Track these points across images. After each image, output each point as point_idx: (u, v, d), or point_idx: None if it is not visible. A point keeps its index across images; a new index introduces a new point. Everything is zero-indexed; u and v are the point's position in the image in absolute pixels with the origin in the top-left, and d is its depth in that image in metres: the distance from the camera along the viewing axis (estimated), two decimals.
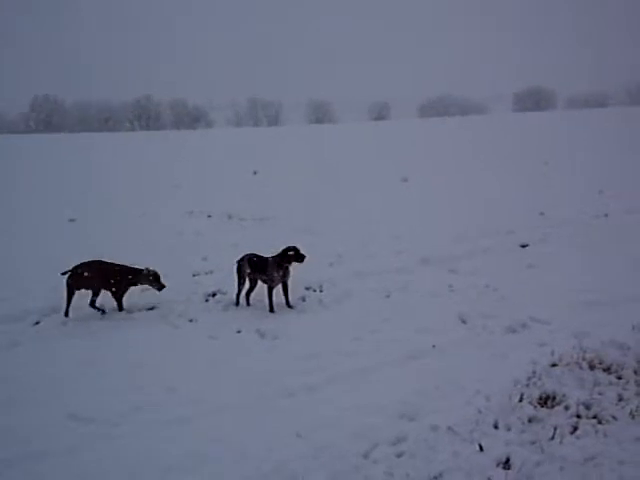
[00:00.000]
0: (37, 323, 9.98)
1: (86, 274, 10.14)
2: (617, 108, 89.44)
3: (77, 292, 10.19)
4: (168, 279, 11.55)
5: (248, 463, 5.76)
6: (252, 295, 10.79)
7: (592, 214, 17.61)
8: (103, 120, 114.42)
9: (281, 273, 10.34)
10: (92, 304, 10.26)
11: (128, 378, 7.85)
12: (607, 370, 7.08)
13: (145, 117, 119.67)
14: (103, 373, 8.06)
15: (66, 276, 10.10)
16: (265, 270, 10.39)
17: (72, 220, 18.86)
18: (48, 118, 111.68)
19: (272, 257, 10.46)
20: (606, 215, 17.53)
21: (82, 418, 6.80)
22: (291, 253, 10.35)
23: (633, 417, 6.02)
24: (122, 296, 10.41)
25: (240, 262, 10.65)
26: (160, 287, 10.54)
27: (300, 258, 10.40)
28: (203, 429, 6.50)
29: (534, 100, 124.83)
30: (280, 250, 10.44)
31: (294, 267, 10.46)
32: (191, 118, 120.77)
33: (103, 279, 10.26)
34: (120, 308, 10.35)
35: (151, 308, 10.57)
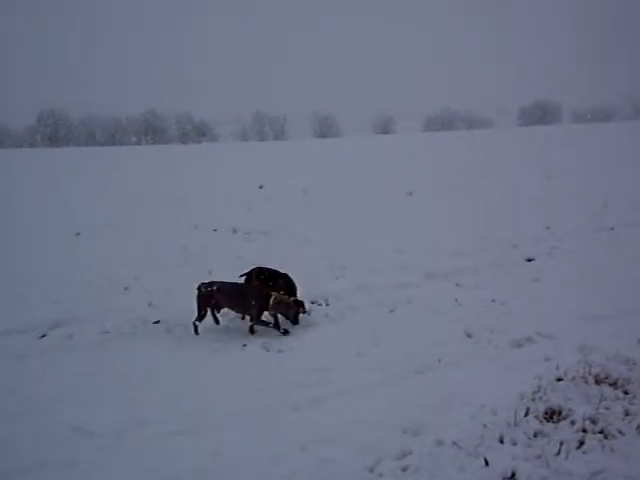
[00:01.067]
0: (43, 336, 9.98)
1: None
2: (622, 123, 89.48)
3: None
4: (174, 294, 11.60)
5: (252, 477, 5.75)
6: None
7: (597, 227, 17.58)
8: (109, 134, 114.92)
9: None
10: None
11: (132, 391, 7.86)
12: (613, 385, 7.05)
13: (151, 131, 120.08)
14: (107, 386, 8.08)
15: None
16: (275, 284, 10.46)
17: (78, 234, 18.89)
18: (54, 132, 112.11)
19: (282, 273, 10.50)
20: (612, 229, 17.50)
21: (84, 431, 6.82)
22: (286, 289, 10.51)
23: None
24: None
25: (248, 276, 10.67)
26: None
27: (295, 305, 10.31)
28: (207, 442, 6.50)
29: (539, 114, 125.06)
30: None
31: (299, 280, 10.47)
32: (197, 132, 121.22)
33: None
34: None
35: (156, 322, 10.56)
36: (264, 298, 9.85)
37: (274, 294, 9.91)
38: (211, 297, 10.03)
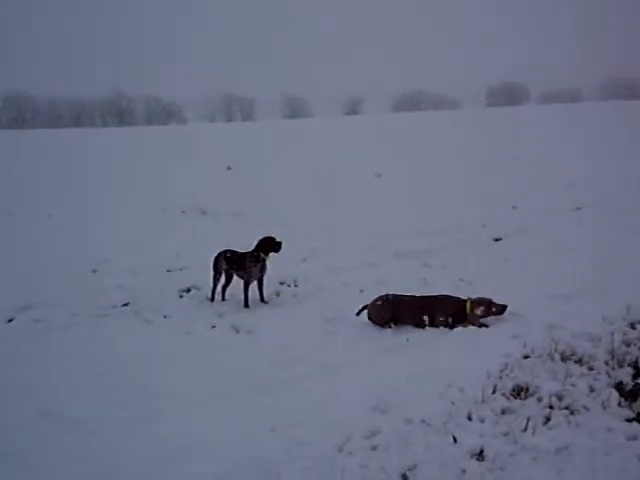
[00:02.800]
0: (10, 320, 9.86)
1: None
2: (589, 103, 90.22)
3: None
4: (142, 275, 11.55)
5: (222, 459, 5.74)
6: (227, 290, 10.78)
7: (565, 207, 17.75)
8: (75, 117, 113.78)
9: (259, 266, 10.34)
10: None
11: (101, 375, 7.78)
12: (579, 361, 7.13)
13: (117, 113, 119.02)
14: (76, 370, 7.99)
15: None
16: (243, 265, 10.38)
17: (49, 216, 18.74)
18: (19, 115, 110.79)
19: (250, 252, 10.45)
20: (579, 208, 17.68)
21: (53, 416, 6.74)
22: (268, 243, 10.37)
23: (604, 407, 6.07)
24: None
25: (217, 257, 10.63)
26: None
27: (277, 246, 10.41)
28: (177, 426, 6.46)
29: (507, 95, 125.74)
30: (256, 243, 10.45)
31: (268, 261, 10.46)
32: (164, 114, 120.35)
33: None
34: None
35: (125, 304, 10.50)
36: None
37: None
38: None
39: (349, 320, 9.38)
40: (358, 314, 9.37)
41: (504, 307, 9.15)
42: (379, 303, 9.26)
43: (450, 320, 9.05)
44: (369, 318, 9.30)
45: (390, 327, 9.08)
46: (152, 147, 46.89)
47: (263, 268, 10.42)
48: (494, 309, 9.12)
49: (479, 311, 9.05)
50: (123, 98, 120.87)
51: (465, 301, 9.15)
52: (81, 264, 12.86)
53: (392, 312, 9.15)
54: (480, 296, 9.27)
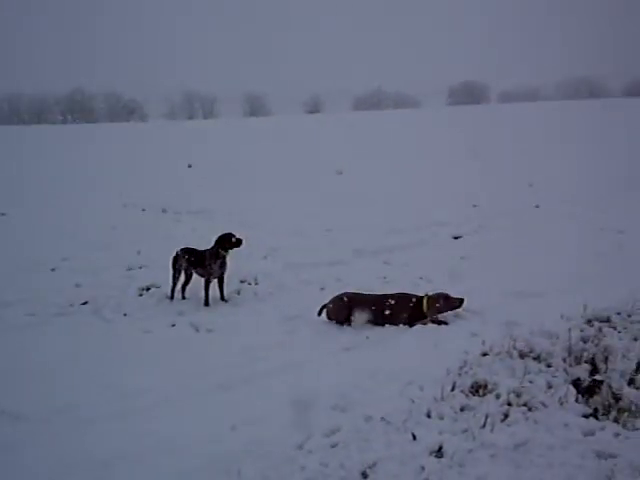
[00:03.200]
0: None
1: None
2: (546, 102, 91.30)
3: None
4: (101, 273, 11.44)
5: (183, 458, 5.72)
6: (187, 289, 10.73)
7: (523, 206, 17.92)
8: (34, 114, 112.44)
9: (219, 263, 10.30)
10: None
11: (61, 374, 7.70)
12: (537, 359, 7.20)
13: (78, 110, 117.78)
14: (34, 369, 7.90)
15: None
16: (203, 263, 10.34)
17: (3, 214, 18.49)
18: None
19: (209, 249, 10.41)
20: (537, 206, 17.86)
21: (11, 415, 6.66)
22: (227, 239, 10.34)
23: (562, 404, 6.14)
24: None
25: (175, 255, 10.58)
26: None
27: (238, 243, 10.38)
28: (138, 425, 6.41)
29: (468, 94, 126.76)
30: (215, 239, 10.41)
31: (229, 259, 10.44)
32: (125, 111, 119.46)
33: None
34: None
35: (84, 303, 10.40)
36: None
37: None
38: None
39: (310, 318, 9.39)
40: (319, 314, 9.40)
41: (461, 300, 9.26)
42: (337, 302, 9.31)
43: (407, 317, 9.10)
44: (328, 317, 9.34)
45: (349, 324, 9.11)
46: (113, 144, 46.50)
47: (223, 265, 10.37)
48: (451, 303, 9.22)
49: (437, 306, 9.12)
50: (84, 95, 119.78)
51: (422, 297, 9.22)
52: (39, 263, 12.71)
53: (349, 310, 9.18)
54: (437, 292, 9.35)
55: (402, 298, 9.27)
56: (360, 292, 9.50)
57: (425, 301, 9.16)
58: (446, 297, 9.24)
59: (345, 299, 9.30)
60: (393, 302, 9.18)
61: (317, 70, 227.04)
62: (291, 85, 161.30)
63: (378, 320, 9.11)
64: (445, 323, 9.05)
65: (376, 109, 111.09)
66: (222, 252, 10.31)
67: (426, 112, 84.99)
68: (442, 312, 9.18)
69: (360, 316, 9.10)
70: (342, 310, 9.22)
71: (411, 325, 9.02)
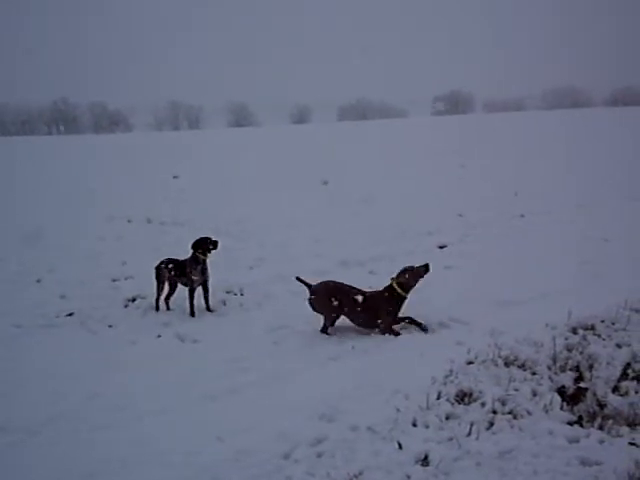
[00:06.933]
0: None
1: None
2: (531, 112, 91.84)
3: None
4: (87, 284, 11.41)
5: (169, 468, 5.72)
6: (172, 299, 10.71)
7: (508, 215, 17.99)
8: (20, 124, 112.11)
9: (199, 269, 10.29)
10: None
11: (48, 386, 7.69)
12: (522, 366, 7.24)
13: (63, 120, 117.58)
14: (21, 381, 7.90)
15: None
16: (185, 271, 10.34)
17: None
18: None
19: (189, 257, 10.42)
20: (522, 216, 17.94)
21: None
22: (204, 242, 10.40)
23: (547, 411, 6.18)
24: None
25: (158, 267, 10.57)
26: None
27: (214, 244, 10.43)
28: (124, 436, 6.41)
29: (453, 104, 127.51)
30: (191, 245, 10.43)
31: (214, 270, 10.44)
32: (111, 122, 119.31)
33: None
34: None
35: (70, 314, 10.38)
36: None
37: None
38: None
39: (296, 329, 9.42)
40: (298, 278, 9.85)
41: (426, 266, 9.44)
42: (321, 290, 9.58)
43: (391, 310, 9.26)
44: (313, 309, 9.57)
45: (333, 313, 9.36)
46: (98, 156, 46.38)
47: (204, 271, 10.36)
48: (417, 272, 9.39)
49: (406, 279, 9.28)
50: (69, 105, 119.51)
51: (391, 285, 9.41)
52: (24, 274, 12.68)
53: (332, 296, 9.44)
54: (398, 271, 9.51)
55: (376, 293, 9.49)
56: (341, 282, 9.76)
57: (394, 284, 9.34)
58: (410, 269, 9.40)
59: (331, 284, 9.59)
60: (370, 296, 9.41)
61: (303, 81, 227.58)
62: (276, 96, 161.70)
63: (359, 316, 9.37)
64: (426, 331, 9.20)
65: (361, 119, 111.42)
66: (201, 256, 10.31)
67: (411, 122, 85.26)
68: (413, 286, 9.36)
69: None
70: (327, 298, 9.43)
71: (395, 320, 9.26)
